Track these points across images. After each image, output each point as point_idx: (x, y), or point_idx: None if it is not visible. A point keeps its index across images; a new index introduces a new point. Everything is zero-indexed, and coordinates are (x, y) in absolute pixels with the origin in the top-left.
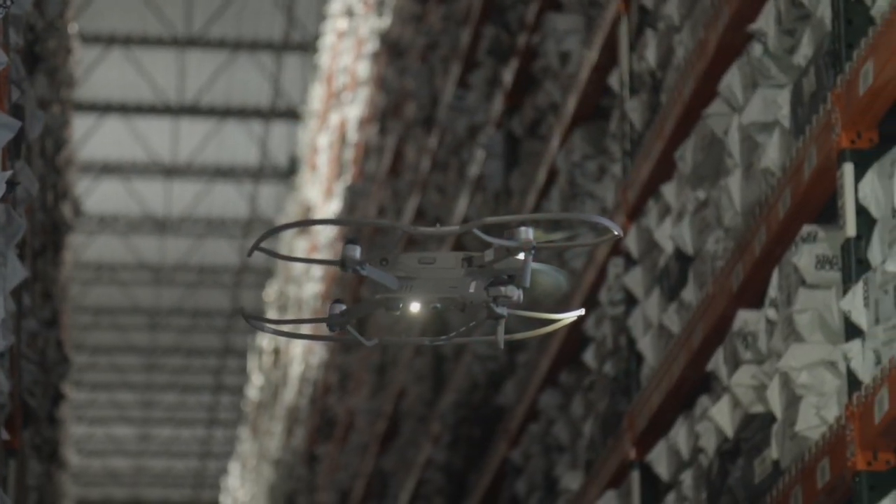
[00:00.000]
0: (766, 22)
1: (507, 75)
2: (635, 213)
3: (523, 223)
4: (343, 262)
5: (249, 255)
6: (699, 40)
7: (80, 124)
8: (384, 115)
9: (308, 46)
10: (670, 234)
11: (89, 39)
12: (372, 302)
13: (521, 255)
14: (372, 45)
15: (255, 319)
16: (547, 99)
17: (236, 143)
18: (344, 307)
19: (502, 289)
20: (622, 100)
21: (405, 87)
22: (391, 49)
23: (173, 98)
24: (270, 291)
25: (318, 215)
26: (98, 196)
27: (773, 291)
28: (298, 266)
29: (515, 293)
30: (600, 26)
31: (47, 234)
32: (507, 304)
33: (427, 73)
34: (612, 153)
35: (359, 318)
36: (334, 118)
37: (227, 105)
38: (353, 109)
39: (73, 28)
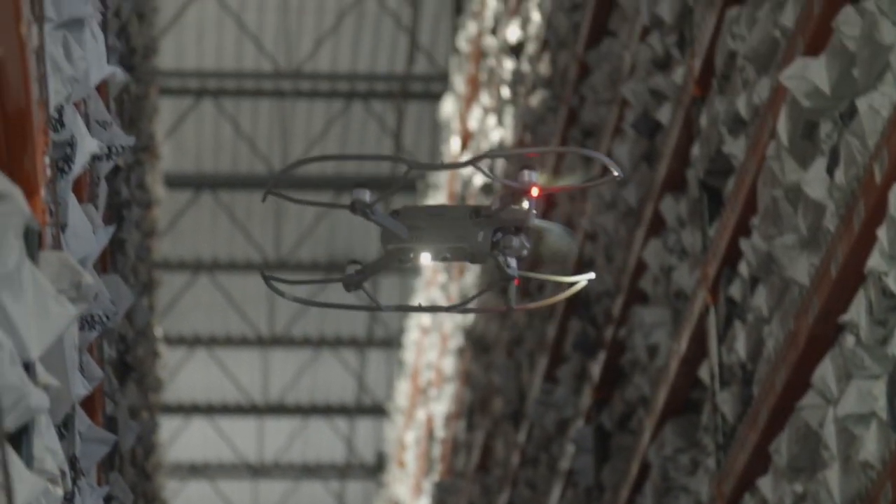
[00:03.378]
0: (857, 312)
1: (595, 369)
2: None
3: (526, 158)
4: (353, 206)
5: (264, 199)
6: (790, 331)
7: (167, 426)
8: (471, 410)
9: (392, 342)
10: None
11: (174, 341)
12: (385, 257)
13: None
14: (457, 341)
15: (275, 280)
16: (636, 392)
17: (322, 440)
18: (359, 266)
19: (510, 238)
20: (713, 392)
21: (492, 382)
22: (476, 344)
23: (258, 397)
24: None
25: None
26: (185, 499)
27: None
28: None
29: (522, 242)
30: (688, 318)
31: None
32: (513, 255)
33: (513, 368)
34: (705, 446)
35: (376, 273)
36: (421, 414)
37: (312, 403)
38: (440, 405)
39: (159, 332)
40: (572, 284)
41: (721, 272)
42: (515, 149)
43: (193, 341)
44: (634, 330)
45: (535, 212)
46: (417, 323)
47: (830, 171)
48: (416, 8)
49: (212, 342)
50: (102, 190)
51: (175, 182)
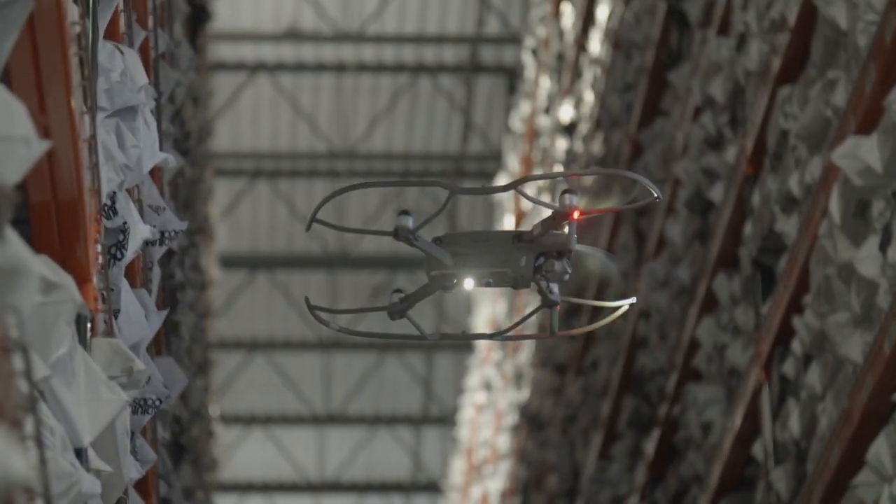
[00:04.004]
0: None
1: (649, 446)
2: None
3: (566, 182)
4: (396, 232)
5: (308, 228)
6: (843, 409)
7: None
8: (526, 487)
9: (447, 420)
10: None
11: (230, 420)
12: (429, 284)
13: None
14: (511, 418)
15: (319, 309)
16: (690, 470)
17: None
18: (403, 294)
19: (552, 263)
20: (767, 469)
21: (546, 459)
22: (531, 421)
23: (314, 475)
24: None
25: None
26: None
27: None
28: None
29: (564, 266)
30: (741, 396)
31: None
32: (556, 279)
33: (568, 445)
34: None
35: (420, 300)
36: (476, 491)
37: (368, 480)
38: (495, 482)
39: (214, 411)
40: (615, 309)
41: (774, 350)
42: (557, 172)
43: (249, 420)
44: (688, 407)
45: (576, 236)
46: (472, 400)
47: (883, 248)
48: (470, 88)
49: (268, 420)
50: (156, 274)
51: (231, 262)
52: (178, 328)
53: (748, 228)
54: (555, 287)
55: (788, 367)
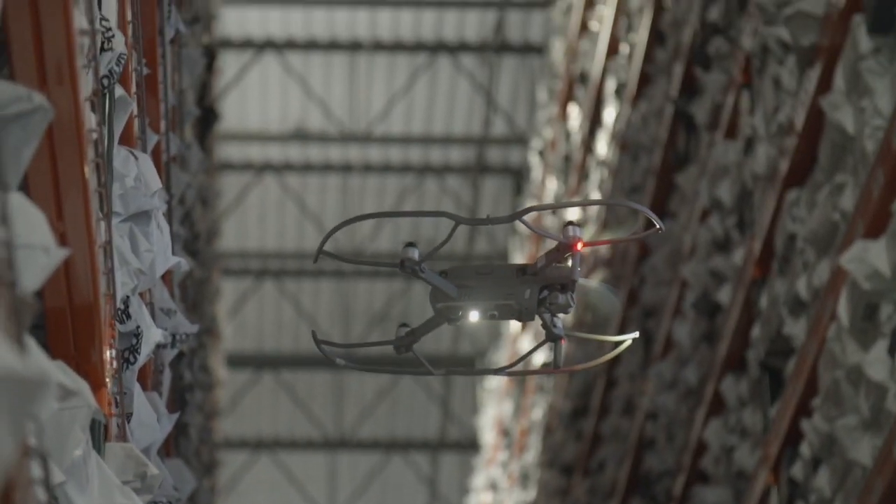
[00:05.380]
0: None
1: None
2: None
3: (569, 213)
4: (402, 264)
5: (315, 260)
6: None
7: None
8: None
9: None
10: None
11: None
12: (434, 317)
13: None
14: None
15: (327, 344)
16: None
17: None
18: (409, 328)
19: (556, 296)
20: None
21: None
22: None
23: None
24: None
25: None
26: None
27: None
28: None
29: (568, 300)
30: (749, 498)
31: None
32: (559, 311)
33: None
34: None
35: (425, 334)
36: None
37: None
38: None
39: None
40: (618, 344)
41: (783, 452)
42: (561, 203)
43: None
44: None
45: (579, 269)
46: (478, 501)
47: (892, 352)
48: (477, 188)
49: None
50: (166, 377)
51: (236, 362)
52: (187, 429)
53: (756, 331)
54: (558, 321)
55: (797, 470)
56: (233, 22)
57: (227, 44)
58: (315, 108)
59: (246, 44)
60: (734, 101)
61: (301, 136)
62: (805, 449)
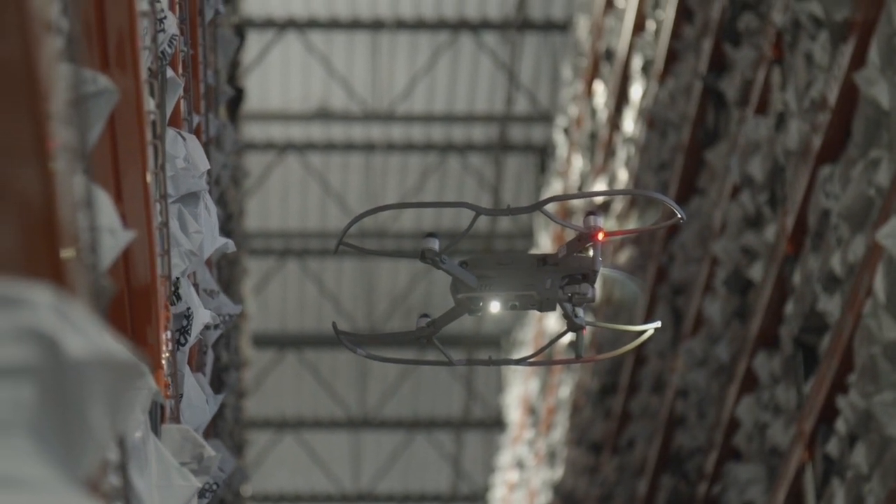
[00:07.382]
0: None
1: None
2: None
3: (589, 202)
4: (423, 255)
5: (336, 250)
6: (891, 489)
7: None
8: None
9: (477, 498)
10: None
11: (259, 500)
12: (455, 308)
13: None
14: (545, 497)
15: (346, 335)
16: None
17: None
18: (429, 318)
19: (577, 286)
20: None
21: None
22: (565, 501)
23: None
24: None
25: None
26: None
27: None
28: None
29: (590, 290)
30: (784, 475)
31: None
32: (581, 302)
33: None
34: None
35: (446, 325)
36: None
37: None
38: None
39: (246, 491)
40: (640, 333)
41: (817, 429)
42: (582, 192)
43: (278, 500)
44: (728, 487)
45: (601, 259)
46: (503, 479)
47: None
48: (499, 166)
49: (297, 500)
50: (210, 358)
51: (260, 341)
52: (223, 410)
53: (789, 307)
54: (580, 311)
55: (832, 447)
56: (255, 1)
57: (250, 23)
58: (337, 87)
59: (268, 23)
60: (765, 77)
61: (324, 115)
62: (840, 425)
